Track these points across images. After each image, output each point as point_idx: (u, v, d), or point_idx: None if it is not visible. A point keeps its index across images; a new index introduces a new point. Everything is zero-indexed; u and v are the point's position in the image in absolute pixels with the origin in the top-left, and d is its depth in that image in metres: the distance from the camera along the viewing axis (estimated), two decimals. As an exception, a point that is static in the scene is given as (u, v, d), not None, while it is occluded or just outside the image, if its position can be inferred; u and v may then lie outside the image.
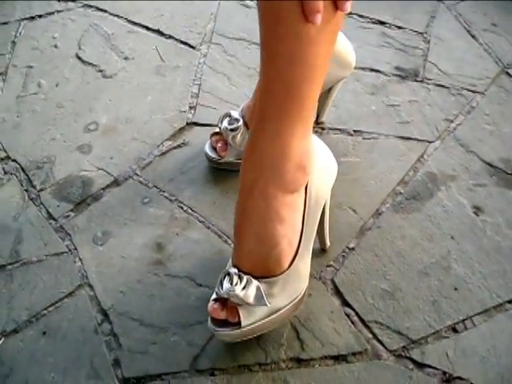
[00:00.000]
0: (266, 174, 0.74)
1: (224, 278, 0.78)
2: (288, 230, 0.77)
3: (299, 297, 0.81)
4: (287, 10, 0.64)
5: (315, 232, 0.83)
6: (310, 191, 0.79)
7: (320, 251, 0.92)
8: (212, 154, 1.02)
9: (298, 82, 0.69)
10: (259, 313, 0.78)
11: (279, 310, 0.79)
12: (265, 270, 0.78)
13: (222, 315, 0.78)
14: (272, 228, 0.76)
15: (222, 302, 0.78)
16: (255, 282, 0.76)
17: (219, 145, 1.01)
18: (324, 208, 0.86)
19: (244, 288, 0.76)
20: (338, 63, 0.98)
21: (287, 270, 0.78)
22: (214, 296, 0.80)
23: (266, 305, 0.77)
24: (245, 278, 0.76)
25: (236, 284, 0.76)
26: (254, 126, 0.75)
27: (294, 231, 0.78)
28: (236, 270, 0.77)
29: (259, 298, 0.76)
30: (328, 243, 0.92)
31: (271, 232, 0.76)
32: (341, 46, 0.98)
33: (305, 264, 0.81)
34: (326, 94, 1.05)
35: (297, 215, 0.78)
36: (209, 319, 0.80)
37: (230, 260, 0.81)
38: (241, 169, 0.77)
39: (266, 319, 0.79)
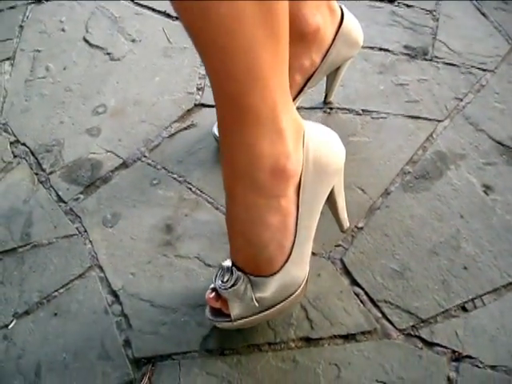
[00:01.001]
0: (241, 181, 0.71)
1: (219, 271, 0.78)
2: (276, 234, 0.74)
3: (295, 294, 0.79)
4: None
5: (313, 232, 0.79)
6: (302, 194, 0.74)
7: (329, 231, 0.92)
8: None
9: (238, 94, 0.63)
10: (249, 309, 0.77)
11: (269, 308, 0.78)
12: (255, 268, 0.76)
13: (216, 305, 0.78)
14: (257, 233, 0.73)
15: (218, 292, 0.78)
16: (245, 281, 0.75)
17: None
18: (333, 193, 0.81)
19: (233, 285, 0.75)
20: (345, 42, 0.98)
21: (278, 272, 0.76)
22: (212, 285, 0.80)
23: (254, 304, 0.76)
24: (235, 275, 0.75)
25: (227, 281, 0.75)
26: (219, 132, 0.70)
27: (285, 235, 0.75)
28: (230, 265, 0.77)
29: (247, 298, 0.76)
30: (347, 224, 0.88)
31: (257, 236, 0.74)
32: (349, 25, 0.98)
33: (299, 265, 0.78)
34: (333, 73, 1.04)
35: (287, 219, 0.74)
36: (207, 306, 0.80)
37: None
38: (222, 175, 0.74)
39: (256, 316, 0.78)
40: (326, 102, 1.10)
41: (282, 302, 0.78)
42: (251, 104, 0.64)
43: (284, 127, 0.68)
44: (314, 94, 1.10)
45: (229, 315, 0.78)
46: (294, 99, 0.98)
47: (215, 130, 1.02)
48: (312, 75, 0.97)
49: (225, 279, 0.76)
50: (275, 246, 0.74)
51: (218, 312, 0.79)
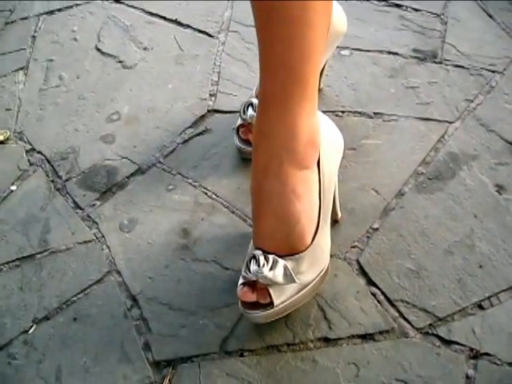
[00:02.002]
0: (279, 154, 0.75)
1: (250, 261, 0.78)
2: (306, 206, 0.78)
3: (324, 269, 0.83)
4: None
5: (331, 205, 0.84)
6: (322, 166, 0.80)
7: (344, 232, 0.93)
8: (246, 146, 1.01)
9: (298, 65, 0.70)
10: (289, 290, 0.79)
11: (308, 284, 0.81)
12: (289, 247, 0.78)
13: (252, 297, 0.79)
14: (290, 206, 0.77)
15: (251, 284, 0.79)
16: (281, 261, 0.77)
17: (251, 135, 1.00)
18: None
19: (271, 268, 0.76)
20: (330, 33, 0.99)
21: (311, 245, 0.79)
22: (241, 280, 0.80)
23: (295, 282, 0.78)
24: (270, 258, 0.77)
25: (263, 265, 0.76)
26: (260, 110, 0.75)
27: (312, 207, 0.80)
28: (260, 252, 0.78)
29: (288, 276, 0.77)
30: (339, 214, 0.93)
31: (290, 210, 0.77)
32: (335, 17, 0.98)
33: (326, 237, 0.82)
34: None
35: (313, 191, 0.79)
36: (239, 303, 0.81)
37: (251, 242, 0.82)
38: (253, 152, 0.78)
39: (297, 295, 0.80)
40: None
41: (315, 278, 0.82)
42: (307, 75, 0.71)
43: (316, 100, 0.76)
44: (326, 97, 1.11)
45: (266, 305, 0.79)
46: None
47: (239, 143, 1.02)
48: None
49: (261, 264, 0.77)
50: (306, 218, 0.78)
51: (252, 306, 0.80)
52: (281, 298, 0.79)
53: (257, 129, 0.77)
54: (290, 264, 0.77)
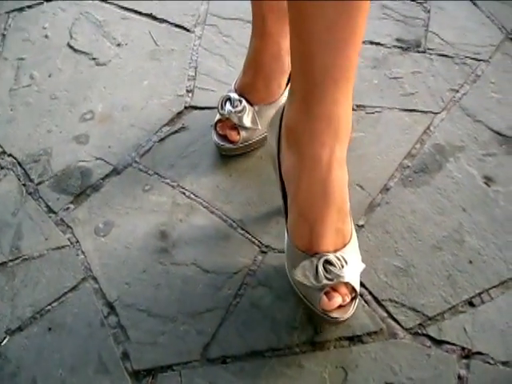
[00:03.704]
0: (342, 139, 0.76)
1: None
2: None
3: None
4: None
5: None
6: None
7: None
8: (224, 143, 0.99)
9: (344, 51, 0.69)
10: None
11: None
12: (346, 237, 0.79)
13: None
14: (346, 192, 0.79)
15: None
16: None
17: (229, 131, 0.98)
18: None
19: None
20: None
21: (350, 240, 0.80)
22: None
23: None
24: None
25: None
26: (309, 100, 0.74)
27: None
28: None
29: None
30: None
31: (346, 197, 0.79)
32: None
33: None
34: None
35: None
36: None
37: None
38: (307, 148, 0.76)
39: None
40: None
41: None
42: (355, 60, 0.71)
43: None
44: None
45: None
46: (287, 84, 0.99)
47: (217, 139, 1.00)
48: None
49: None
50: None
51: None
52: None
53: (317, 118, 0.75)
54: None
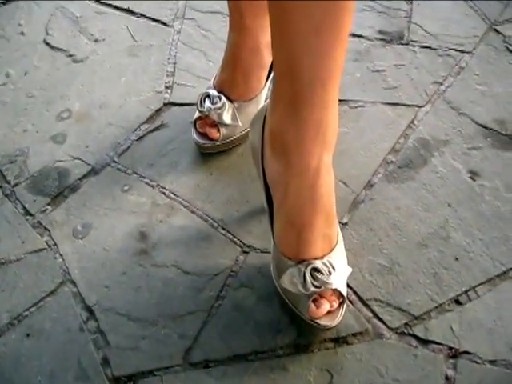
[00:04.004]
0: (330, 145, 0.75)
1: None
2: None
3: None
4: None
5: None
6: None
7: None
8: (204, 141, 0.97)
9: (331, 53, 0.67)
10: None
11: None
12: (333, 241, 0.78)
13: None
14: (333, 196, 0.78)
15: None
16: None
17: (208, 128, 0.96)
18: None
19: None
20: None
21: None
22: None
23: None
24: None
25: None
26: (297, 104, 0.71)
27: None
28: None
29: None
30: None
31: (333, 201, 0.78)
32: None
33: None
34: None
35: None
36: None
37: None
38: (294, 157, 0.74)
39: None
40: None
41: None
42: (342, 60, 0.69)
43: None
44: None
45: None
46: (266, 80, 0.98)
47: (197, 137, 0.98)
48: None
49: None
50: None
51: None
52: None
53: (303, 126, 0.72)
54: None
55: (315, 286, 0.73)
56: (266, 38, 0.92)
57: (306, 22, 0.63)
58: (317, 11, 0.62)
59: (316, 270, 0.74)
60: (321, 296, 0.75)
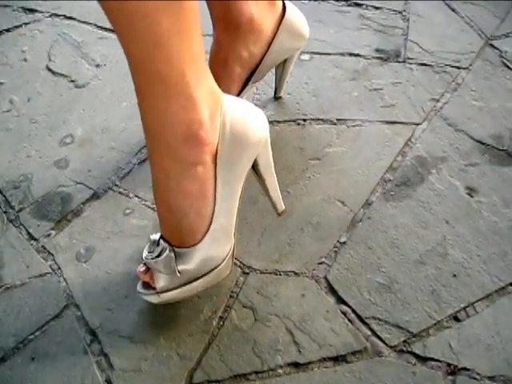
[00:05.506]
0: (157, 147, 0.74)
1: (148, 243, 0.81)
2: (195, 202, 0.76)
3: (216, 270, 0.80)
4: None
5: (236, 205, 0.80)
6: (220, 162, 0.76)
7: (310, 248, 0.89)
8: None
9: (142, 59, 0.66)
10: (173, 281, 0.79)
11: (193, 280, 0.80)
12: (179, 239, 0.78)
13: (145, 278, 0.81)
14: (176, 200, 0.76)
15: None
16: (169, 252, 0.78)
17: None
18: (259, 169, 0.83)
19: (158, 256, 0.78)
20: (289, 34, 0.97)
21: (199, 242, 0.77)
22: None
23: (176, 275, 0.78)
24: (160, 246, 0.78)
25: (153, 251, 0.78)
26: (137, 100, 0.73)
27: (204, 203, 0.77)
28: (157, 238, 0.79)
29: (170, 269, 0.78)
30: (282, 206, 0.87)
31: (176, 204, 0.76)
32: (291, 17, 0.97)
33: (221, 238, 0.79)
34: (281, 67, 1.04)
35: (205, 187, 0.76)
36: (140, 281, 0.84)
37: None
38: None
39: (181, 289, 0.80)
40: (276, 97, 1.09)
41: (205, 275, 0.80)
42: (158, 70, 0.66)
43: (197, 96, 0.70)
44: (286, 106, 1.07)
45: (154, 288, 0.80)
46: (239, 93, 0.98)
47: None
48: (256, 68, 0.97)
49: (151, 250, 0.79)
50: (195, 214, 0.76)
51: (148, 286, 0.82)
52: (165, 286, 0.80)
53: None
54: (178, 255, 0.78)
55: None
56: (236, 52, 0.94)
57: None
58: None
59: (150, 241, 0.81)
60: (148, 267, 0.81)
